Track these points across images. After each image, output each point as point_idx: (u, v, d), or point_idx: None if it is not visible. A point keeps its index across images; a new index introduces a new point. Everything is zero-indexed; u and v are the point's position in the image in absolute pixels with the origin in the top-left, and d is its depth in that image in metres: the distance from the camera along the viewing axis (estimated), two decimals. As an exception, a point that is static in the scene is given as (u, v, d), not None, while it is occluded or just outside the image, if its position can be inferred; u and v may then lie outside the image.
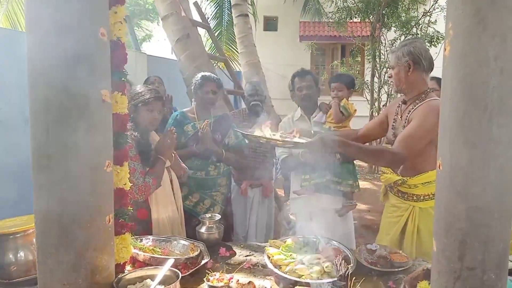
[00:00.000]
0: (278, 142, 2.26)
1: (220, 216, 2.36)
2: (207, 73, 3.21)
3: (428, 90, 2.26)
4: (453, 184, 1.28)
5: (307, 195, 2.91)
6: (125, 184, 1.70)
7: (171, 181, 2.63)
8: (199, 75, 3.18)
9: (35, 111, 1.39)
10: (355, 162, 3.03)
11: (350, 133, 2.71)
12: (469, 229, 1.25)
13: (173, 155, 2.62)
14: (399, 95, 2.46)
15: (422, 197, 2.26)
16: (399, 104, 2.41)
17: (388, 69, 2.42)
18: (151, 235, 2.29)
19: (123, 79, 1.67)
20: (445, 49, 1.31)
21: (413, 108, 2.24)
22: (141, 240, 2.07)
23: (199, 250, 2.02)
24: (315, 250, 2.03)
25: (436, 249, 1.37)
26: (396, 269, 1.91)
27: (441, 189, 1.35)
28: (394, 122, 2.38)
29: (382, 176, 2.49)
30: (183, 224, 2.68)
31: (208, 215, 2.35)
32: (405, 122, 2.26)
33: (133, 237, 1.98)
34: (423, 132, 2.11)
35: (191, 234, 2.44)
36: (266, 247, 2.04)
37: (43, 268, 1.46)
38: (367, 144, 2.45)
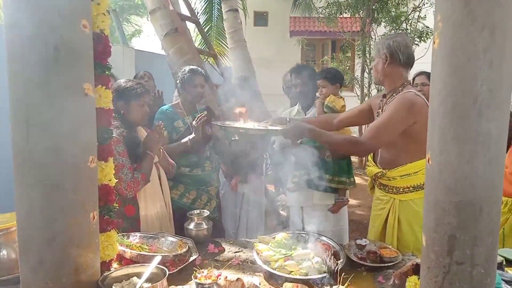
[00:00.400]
0: (251, 130, 2.35)
1: (208, 212, 2.33)
2: (194, 67, 3.17)
3: (405, 83, 2.30)
4: (442, 179, 1.27)
5: (299, 191, 2.90)
6: (110, 180, 1.66)
7: (159, 177, 2.60)
8: (186, 68, 3.13)
9: (15, 106, 1.35)
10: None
11: (329, 119, 2.71)
12: (458, 223, 1.24)
13: (161, 150, 2.58)
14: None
15: (401, 190, 2.31)
16: (381, 99, 2.46)
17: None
18: (139, 231, 2.26)
19: (107, 72, 1.63)
20: (434, 42, 1.29)
21: (390, 101, 2.29)
22: (128, 237, 2.04)
23: (187, 247, 1.99)
24: (305, 246, 2.01)
25: (426, 244, 1.36)
26: (386, 264, 1.90)
27: (430, 184, 1.34)
28: (377, 116, 2.42)
29: (366, 169, 2.53)
30: (171, 221, 2.65)
31: (196, 211, 2.32)
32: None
33: (120, 234, 1.95)
34: (391, 124, 2.16)
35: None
36: (255, 243, 2.02)
37: (25, 267, 1.42)
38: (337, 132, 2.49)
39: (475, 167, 1.21)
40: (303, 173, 2.81)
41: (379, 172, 2.36)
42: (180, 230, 2.60)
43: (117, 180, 2.08)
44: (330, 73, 3.05)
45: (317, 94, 3.11)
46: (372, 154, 2.52)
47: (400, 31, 8.52)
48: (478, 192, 1.23)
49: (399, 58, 2.25)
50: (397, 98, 2.21)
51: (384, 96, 2.41)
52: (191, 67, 3.17)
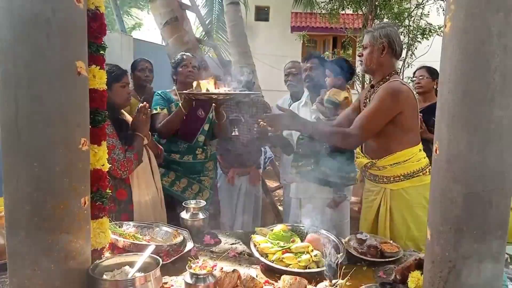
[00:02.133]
0: (220, 95, 2.45)
1: (205, 203, 2.27)
2: (186, 53, 3.14)
3: (393, 72, 2.29)
4: (450, 169, 1.21)
5: (297, 183, 2.84)
6: (103, 165, 1.60)
7: (149, 161, 2.56)
8: (178, 54, 3.10)
9: (4, 84, 1.28)
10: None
11: (350, 116, 2.66)
12: (466, 216, 1.19)
13: (149, 133, 2.56)
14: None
15: (392, 179, 2.29)
16: (369, 89, 2.44)
17: (360, 48, 2.41)
18: (131, 216, 2.22)
19: (101, 52, 1.56)
20: (445, 26, 1.23)
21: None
22: (121, 226, 1.98)
23: (182, 237, 1.94)
24: (304, 238, 1.95)
25: (431, 238, 1.30)
26: (387, 259, 1.85)
27: (437, 174, 1.28)
28: (364, 106, 2.40)
29: (355, 160, 2.49)
30: (163, 207, 2.61)
31: (192, 201, 2.26)
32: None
33: (112, 222, 1.89)
34: (378, 113, 2.17)
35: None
36: (252, 235, 1.96)
37: (12, 253, 1.36)
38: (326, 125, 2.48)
39: (485, 157, 1.15)
40: (301, 164, 2.75)
41: (369, 162, 2.34)
42: (170, 218, 2.57)
43: (110, 161, 2.07)
44: (336, 63, 2.93)
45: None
46: (361, 145, 2.48)
47: (403, 28, 8.46)
48: (487, 184, 1.17)
49: (395, 48, 2.26)
50: (382, 87, 2.20)
51: (372, 86, 2.39)
52: (182, 52, 3.14)
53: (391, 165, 2.25)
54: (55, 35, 1.26)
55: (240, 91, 2.77)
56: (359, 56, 2.36)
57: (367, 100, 2.38)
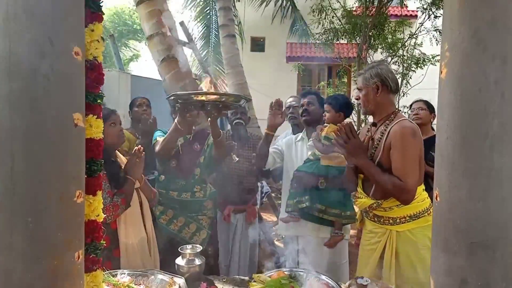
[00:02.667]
0: (212, 96, 2.47)
1: (201, 248, 2.22)
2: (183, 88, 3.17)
3: (396, 111, 2.29)
4: (451, 218, 1.19)
5: (293, 222, 2.80)
6: (98, 215, 1.57)
7: (140, 204, 2.51)
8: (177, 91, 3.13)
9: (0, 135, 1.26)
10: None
11: None
12: (470, 267, 1.15)
13: (142, 176, 2.52)
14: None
15: (398, 220, 2.23)
16: (369, 128, 2.43)
17: (357, 91, 2.41)
18: (116, 263, 2.16)
19: (99, 101, 1.56)
20: (441, 72, 1.24)
21: (385, 130, 2.24)
22: (115, 275, 1.92)
23: (178, 286, 1.88)
24: (303, 284, 1.90)
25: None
26: (390, 305, 1.80)
27: (439, 223, 1.25)
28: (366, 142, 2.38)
29: (357, 201, 2.44)
30: (155, 253, 2.55)
31: (188, 246, 2.21)
32: (377, 143, 2.27)
33: (107, 271, 1.84)
34: (413, 158, 2.14)
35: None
36: (250, 283, 1.91)
37: (4, 311, 1.31)
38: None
39: (487, 205, 1.13)
40: (296, 202, 2.72)
41: (374, 203, 2.28)
42: (166, 260, 2.52)
43: None
44: (336, 99, 2.90)
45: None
46: (361, 185, 2.43)
47: (397, 58, 8.59)
48: (491, 233, 1.14)
49: (389, 85, 2.25)
50: (398, 130, 2.17)
51: (374, 125, 2.37)
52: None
53: (397, 205, 2.20)
54: (53, 89, 1.26)
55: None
56: (356, 99, 2.37)
57: (370, 140, 2.37)
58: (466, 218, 1.16)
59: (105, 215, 2.18)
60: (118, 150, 3.03)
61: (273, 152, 3.05)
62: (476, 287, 1.15)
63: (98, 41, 1.51)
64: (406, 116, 2.45)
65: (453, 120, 1.18)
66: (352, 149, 2.26)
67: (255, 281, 1.93)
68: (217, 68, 11.90)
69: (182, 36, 5.31)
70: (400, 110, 2.32)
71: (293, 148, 3.07)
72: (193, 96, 2.56)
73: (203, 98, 2.53)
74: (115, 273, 1.95)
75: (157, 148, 2.86)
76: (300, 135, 3.12)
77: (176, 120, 2.77)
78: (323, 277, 2.00)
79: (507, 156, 1.12)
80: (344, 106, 2.86)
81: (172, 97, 2.59)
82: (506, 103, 1.11)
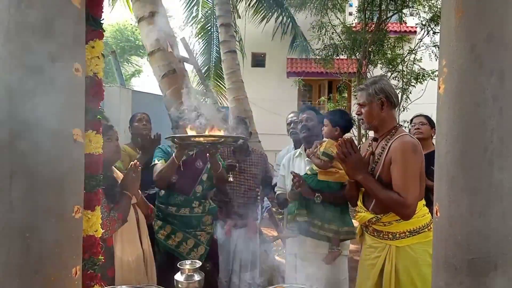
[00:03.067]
0: (210, 139, 2.49)
1: (200, 263, 2.19)
2: (187, 107, 3.15)
3: (397, 125, 2.28)
4: (452, 233, 1.18)
5: (292, 238, 2.78)
6: (96, 231, 1.56)
7: (137, 220, 2.48)
8: (180, 109, 3.11)
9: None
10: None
11: None
12: (471, 283, 1.14)
13: (139, 192, 2.50)
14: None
15: (397, 235, 2.19)
16: (370, 143, 2.42)
17: (358, 106, 2.40)
18: (109, 282, 2.12)
19: (98, 117, 1.56)
20: (439, 87, 1.24)
21: (386, 145, 2.23)
22: (115, 291, 1.90)
23: (177, 302, 1.86)
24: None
25: (436, 304, 1.25)
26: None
27: (439, 238, 1.25)
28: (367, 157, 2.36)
29: (356, 215, 2.41)
30: (152, 270, 2.51)
31: (187, 262, 2.18)
32: (378, 158, 2.25)
33: (105, 287, 1.82)
34: (413, 173, 2.12)
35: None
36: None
37: (0, 328, 1.30)
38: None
39: (488, 220, 1.13)
40: (296, 215, 2.70)
41: (374, 217, 2.25)
42: (163, 274, 2.50)
43: None
44: (334, 114, 2.88)
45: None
46: (361, 199, 2.42)
47: (396, 73, 8.65)
48: (492, 248, 1.13)
49: (393, 100, 2.25)
50: (399, 146, 2.15)
51: (375, 139, 2.36)
52: (183, 107, 3.14)
53: (396, 220, 2.17)
54: (53, 105, 1.26)
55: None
56: (358, 114, 2.36)
57: (371, 154, 2.35)
58: (466, 233, 1.15)
59: (102, 231, 2.17)
60: (121, 167, 3.03)
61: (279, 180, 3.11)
62: (477, 303, 1.13)
63: (99, 58, 1.52)
64: (407, 131, 2.44)
65: (451, 135, 1.18)
66: (353, 164, 2.24)
67: (254, 298, 1.92)
68: (218, 83, 11.98)
69: (183, 52, 5.36)
70: (401, 125, 2.31)
71: (291, 164, 3.07)
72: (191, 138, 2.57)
73: (202, 140, 2.57)
74: (114, 289, 1.92)
75: (154, 176, 2.86)
76: (298, 150, 3.11)
77: (174, 155, 2.77)
78: (323, 294, 1.98)
79: (507, 171, 1.12)
80: (342, 122, 2.83)
81: (170, 139, 2.64)
82: (504, 118, 1.11)
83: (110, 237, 2.28)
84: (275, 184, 3.23)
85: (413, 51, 8.72)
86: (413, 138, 2.22)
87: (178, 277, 2.10)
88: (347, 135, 2.68)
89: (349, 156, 2.23)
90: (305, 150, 3.00)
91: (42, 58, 1.25)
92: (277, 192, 3.11)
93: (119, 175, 2.50)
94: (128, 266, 2.31)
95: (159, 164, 2.89)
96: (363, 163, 2.25)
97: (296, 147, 3.46)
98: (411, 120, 3.89)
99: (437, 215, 1.25)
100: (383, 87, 2.24)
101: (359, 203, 2.41)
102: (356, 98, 9.85)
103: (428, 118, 3.55)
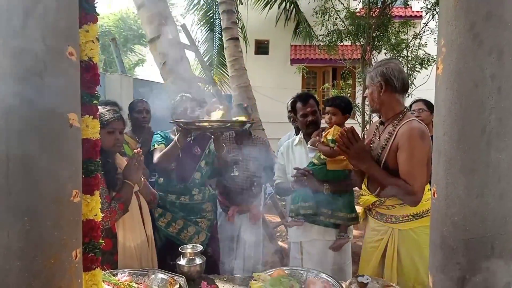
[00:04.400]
0: (215, 123, 2.52)
1: (202, 247, 2.21)
2: (186, 94, 3.13)
3: (405, 110, 2.26)
4: (449, 214, 1.17)
5: (297, 226, 2.78)
6: (96, 215, 1.57)
7: (140, 207, 2.50)
8: (178, 96, 3.09)
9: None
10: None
11: None
12: (468, 264, 1.14)
13: (142, 179, 2.50)
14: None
15: (401, 218, 2.22)
16: (377, 126, 2.41)
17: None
18: (114, 267, 2.15)
19: (95, 101, 1.56)
20: (437, 68, 1.22)
21: (393, 130, 2.21)
22: (116, 275, 1.92)
23: (178, 285, 1.88)
24: (303, 283, 1.89)
25: (433, 285, 1.25)
26: (390, 304, 1.78)
27: (436, 220, 1.24)
28: (372, 144, 2.37)
29: (360, 198, 2.42)
30: (153, 255, 2.54)
31: (189, 246, 2.20)
32: (385, 143, 2.24)
33: (107, 271, 1.84)
34: (423, 162, 2.10)
35: (173, 265, 2.29)
36: (250, 282, 1.90)
37: (2, 310, 1.32)
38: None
39: (485, 201, 1.12)
40: (301, 206, 2.70)
41: (377, 200, 2.26)
42: (164, 260, 2.54)
43: None
44: (343, 102, 2.83)
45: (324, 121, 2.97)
46: (366, 182, 2.42)
47: (401, 58, 8.56)
48: (489, 229, 1.13)
49: (394, 85, 2.21)
50: (406, 132, 2.13)
51: (382, 123, 2.35)
52: (183, 94, 3.13)
53: (400, 204, 2.18)
54: (47, 89, 1.26)
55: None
56: (365, 97, 2.36)
57: (375, 137, 2.36)
58: (463, 214, 1.15)
59: (102, 221, 2.17)
60: (128, 152, 3.04)
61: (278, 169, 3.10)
62: (474, 283, 1.13)
63: (93, 42, 1.51)
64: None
65: (450, 116, 1.17)
66: (356, 154, 2.23)
67: (255, 280, 1.92)
68: (221, 70, 11.93)
69: (184, 39, 5.32)
70: (409, 110, 2.27)
71: (290, 152, 3.03)
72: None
73: (207, 124, 2.60)
74: (116, 272, 1.94)
75: (155, 158, 2.86)
76: (298, 138, 3.07)
77: (176, 138, 2.77)
78: (323, 275, 1.99)
79: (505, 151, 1.11)
80: (349, 109, 2.84)
81: (175, 123, 2.64)
82: (503, 98, 1.10)
83: (114, 225, 2.30)
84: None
85: (418, 36, 8.61)
86: (421, 123, 2.18)
87: (180, 260, 2.13)
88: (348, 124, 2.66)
89: (351, 146, 2.22)
90: (305, 138, 2.98)
91: (35, 41, 1.25)
92: (276, 181, 3.09)
93: (121, 162, 2.50)
94: (130, 252, 2.33)
95: (159, 148, 2.89)
96: (366, 152, 2.24)
97: (298, 134, 3.44)
98: (410, 106, 3.84)
99: (434, 196, 1.24)
100: (385, 70, 2.21)
101: (363, 186, 2.41)
102: (360, 85, 9.85)
103: (427, 103, 3.50)
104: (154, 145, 2.96)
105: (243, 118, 2.82)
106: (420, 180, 2.09)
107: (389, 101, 2.24)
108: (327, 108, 2.84)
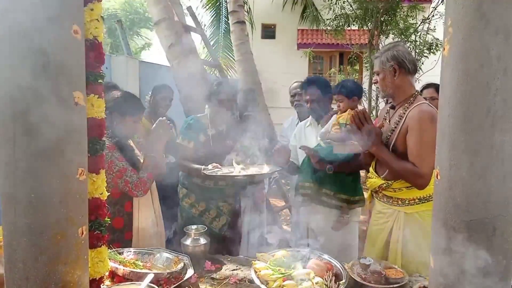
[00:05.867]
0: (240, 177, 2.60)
1: (206, 228, 2.23)
2: (224, 79, 3.14)
3: (416, 93, 2.24)
4: (451, 196, 1.18)
5: (303, 206, 2.80)
6: (102, 193, 1.59)
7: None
8: (215, 81, 3.08)
9: (1, 115, 1.28)
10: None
11: None
12: (469, 245, 1.14)
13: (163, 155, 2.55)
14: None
15: (407, 202, 2.22)
16: (388, 110, 2.40)
17: (374, 75, 2.36)
18: (127, 245, 2.19)
19: (100, 81, 1.56)
20: (443, 49, 1.21)
21: (403, 113, 2.21)
22: (122, 253, 1.95)
23: (183, 264, 1.90)
24: (305, 264, 1.90)
25: (434, 266, 1.26)
26: (391, 286, 1.79)
27: (439, 201, 1.25)
28: (382, 127, 2.36)
29: (367, 181, 2.42)
30: (162, 231, 2.58)
31: (193, 226, 2.23)
32: (394, 126, 2.24)
33: (113, 249, 1.87)
34: (430, 143, 2.01)
35: None
36: (253, 261, 1.93)
37: (10, 284, 1.35)
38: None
39: (487, 183, 1.12)
40: (306, 186, 2.72)
41: (384, 183, 2.26)
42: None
43: (123, 183, 2.26)
44: (346, 87, 2.82)
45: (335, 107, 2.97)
46: (374, 165, 2.42)
47: (409, 43, 8.46)
48: (491, 211, 1.13)
49: (407, 66, 2.19)
50: (416, 115, 2.12)
51: (393, 107, 2.34)
52: (221, 80, 3.12)
53: (407, 187, 2.18)
54: (52, 66, 1.27)
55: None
56: (374, 83, 2.34)
57: (386, 120, 2.36)
58: (466, 195, 1.15)
59: (136, 191, 2.29)
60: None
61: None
62: (475, 264, 1.14)
63: (98, 21, 1.51)
64: None
65: (455, 97, 1.16)
66: (366, 136, 2.22)
67: (258, 260, 1.95)
68: (227, 54, 11.87)
69: (190, 22, 5.28)
70: (420, 93, 2.24)
71: (302, 134, 3.07)
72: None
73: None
74: (121, 251, 1.98)
75: (180, 157, 2.93)
76: (309, 121, 3.10)
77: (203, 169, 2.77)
78: (326, 256, 2.00)
79: (509, 133, 1.10)
80: (356, 91, 2.84)
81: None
82: (508, 79, 1.09)
83: (129, 202, 2.34)
84: None
85: (427, 21, 8.49)
86: (431, 107, 2.16)
87: (185, 240, 2.15)
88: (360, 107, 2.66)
89: (362, 128, 2.22)
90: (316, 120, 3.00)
91: (40, 19, 1.25)
92: None
93: (133, 145, 2.52)
94: (143, 232, 2.38)
95: (188, 147, 2.89)
96: (376, 135, 2.23)
97: (301, 118, 3.44)
98: (421, 90, 3.80)
99: (437, 178, 1.25)
100: (396, 54, 2.19)
101: (371, 169, 2.42)
102: (367, 70, 9.76)
103: (438, 88, 3.46)
104: (179, 138, 2.95)
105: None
106: (428, 163, 2.06)
107: (403, 85, 2.22)
108: (334, 96, 2.89)
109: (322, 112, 2.96)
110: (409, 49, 8.50)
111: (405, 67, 2.19)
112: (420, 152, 2.10)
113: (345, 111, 2.75)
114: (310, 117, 3.09)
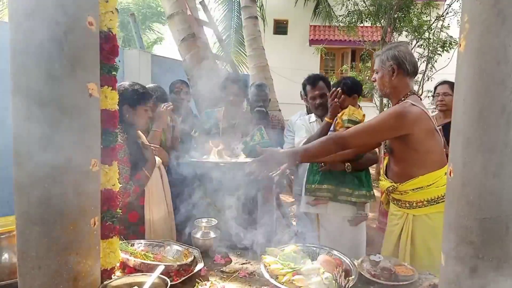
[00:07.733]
0: (221, 164, 2.56)
1: (216, 221, 2.25)
2: (233, 75, 3.15)
3: (409, 93, 2.20)
4: (464, 193, 1.16)
5: (322, 204, 2.79)
6: (114, 185, 1.61)
7: (161, 176, 2.57)
8: (225, 76, 3.10)
9: (16, 106, 1.30)
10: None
11: None
12: (481, 243, 1.13)
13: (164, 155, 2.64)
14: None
15: (414, 204, 2.20)
16: None
17: (373, 73, 2.34)
18: (141, 237, 2.21)
19: (113, 73, 1.58)
20: (459, 45, 1.20)
21: None
22: (133, 245, 1.97)
23: (193, 257, 1.92)
24: (315, 259, 1.90)
25: (445, 264, 1.25)
26: (401, 283, 1.79)
27: (451, 199, 1.23)
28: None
29: (379, 183, 2.42)
30: (173, 227, 2.60)
31: (203, 219, 2.24)
32: None
33: (124, 241, 1.89)
34: (377, 128, 2.12)
35: None
36: (263, 256, 1.93)
37: (23, 272, 1.37)
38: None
39: (501, 181, 1.10)
40: (324, 188, 2.72)
41: (391, 186, 2.26)
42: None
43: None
44: (346, 84, 2.84)
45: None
46: (384, 167, 2.41)
47: (422, 40, 8.37)
48: (504, 209, 1.11)
49: (406, 68, 2.17)
50: (393, 107, 2.16)
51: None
52: (231, 74, 3.13)
53: (413, 190, 2.16)
54: (67, 57, 1.28)
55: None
56: (373, 81, 2.32)
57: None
58: (479, 193, 1.13)
59: (138, 184, 2.31)
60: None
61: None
62: (488, 263, 1.13)
63: (113, 13, 1.52)
64: (430, 100, 2.39)
65: (470, 95, 1.15)
66: (265, 166, 2.16)
67: (268, 254, 1.95)
68: (239, 50, 11.86)
69: (202, 16, 5.28)
70: (415, 93, 2.22)
71: (309, 128, 3.07)
72: None
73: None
74: (133, 242, 1.99)
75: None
76: (313, 117, 3.12)
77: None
78: (335, 252, 2.00)
79: (524, 131, 1.09)
80: (355, 88, 2.86)
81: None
82: (526, 77, 1.07)
83: (142, 196, 2.36)
84: None
85: (441, 18, 8.38)
86: (414, 106, 2.09)
87: (195, 233, 2.17)
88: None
89: (260, 167, 2.17)
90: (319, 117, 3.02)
91: (56, 10, 1.26)
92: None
93: (143, 139, 2.54)
94: (154, 226, 2.41)
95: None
96: (273, 155, 2.19)
97: (309, 112, 3.44)
98: (435, 88, 3.77)
99: (450, 175, 1.23)
100: (396, 54, 2.17)
101: (381, 171, 2.42)
102: (380, 67, 9.63)
103: (452, 86, 3.43)
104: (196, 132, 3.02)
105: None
106: (358, 133, 2.11)
107: (399, 85, 2.20)
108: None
109: (324, 110, 2.98)
110: (423, 46, 8.41)
111: (404, 68, 2.17)
112: (363, 124, 2.20)
113: (345, 108, 2.75)
114: (313, 114, 3.09)
